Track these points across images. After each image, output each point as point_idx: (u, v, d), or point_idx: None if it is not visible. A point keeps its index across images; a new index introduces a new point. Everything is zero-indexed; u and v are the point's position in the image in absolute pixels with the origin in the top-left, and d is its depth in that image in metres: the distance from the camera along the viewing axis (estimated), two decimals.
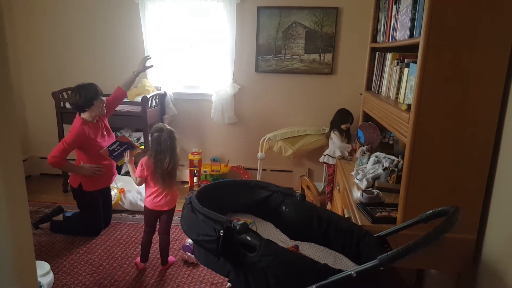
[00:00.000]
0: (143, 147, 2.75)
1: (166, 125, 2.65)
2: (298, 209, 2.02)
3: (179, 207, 3.69)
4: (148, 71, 4.17)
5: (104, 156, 3.01)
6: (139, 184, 2.73)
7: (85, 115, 3.05)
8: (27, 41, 4.37)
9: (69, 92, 4.15)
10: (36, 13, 4.29)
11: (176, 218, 3.52)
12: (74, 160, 3.14)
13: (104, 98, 3.12)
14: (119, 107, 3.73)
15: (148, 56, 3.47)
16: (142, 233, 2.83)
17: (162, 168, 2.58)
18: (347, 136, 3.77)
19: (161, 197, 2.68)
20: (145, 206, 2.75)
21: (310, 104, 4.21)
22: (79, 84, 3.05)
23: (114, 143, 2.93)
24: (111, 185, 3.62)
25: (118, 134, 4.26)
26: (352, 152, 3.63)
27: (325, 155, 3.80)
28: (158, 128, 2.62)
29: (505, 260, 1.64)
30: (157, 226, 2.82)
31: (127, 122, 4.02)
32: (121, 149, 2.95)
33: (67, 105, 3.94)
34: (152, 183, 2.67)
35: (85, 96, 2.98)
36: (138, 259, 2.84)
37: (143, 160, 2.66)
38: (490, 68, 1.61)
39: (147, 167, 2.64)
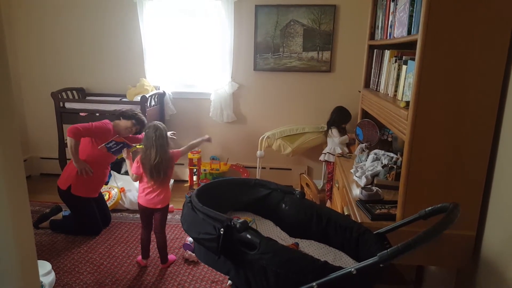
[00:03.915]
0: (141, 146, 2.78)
1: (157, 122, 2.69)
2: (298, 207, 2.02)
3: (179, 206, 3.72)
4: (147, 70, 4.20)
5: (100, 165, 3.09)
6: (135, 180, 2.78)
7: (115, 124, 3.18)
8: (26, 42, 4.37)
9: (68, 92, 4.17)
10: (35, 13, 4.28)
11: (176, 217, 3.54)
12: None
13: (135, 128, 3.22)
14: (119, 107, 3.73)
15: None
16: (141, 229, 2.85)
17: (150, 163, 2.61)
18: (342, 133, 3.77)
19: (153, 194, 2.71)
20: (138, 202, 2.78)
21: (308, 102, 4.21)
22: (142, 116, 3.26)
23: (110, 141, 3.01)
24: (112, 184, 3.63)
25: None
26: (351, 147, 3.64)
27: (325, 153, 3.80)
28: (149, 125, 2.69)
29: (505, 255, 1.65)
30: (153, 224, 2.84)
31: None
32: (117, 147, 3.03)
33: (67, 105, 3.95)
34: (146, 180, 2.71)
35: (131, 113, 3.19)
36: (139, 257, 2.85)
37: (139, 157, 2.71)
38: (489, 63, 1.61)
39: (142, 164, 2.68)
